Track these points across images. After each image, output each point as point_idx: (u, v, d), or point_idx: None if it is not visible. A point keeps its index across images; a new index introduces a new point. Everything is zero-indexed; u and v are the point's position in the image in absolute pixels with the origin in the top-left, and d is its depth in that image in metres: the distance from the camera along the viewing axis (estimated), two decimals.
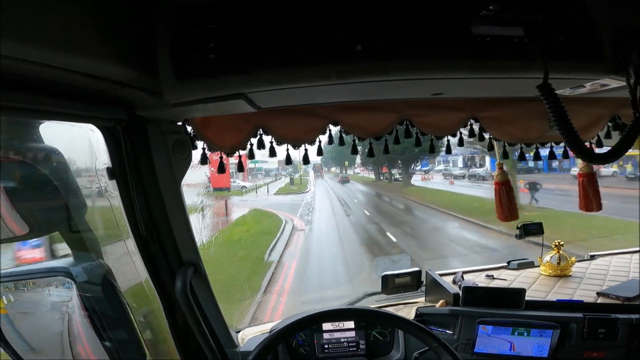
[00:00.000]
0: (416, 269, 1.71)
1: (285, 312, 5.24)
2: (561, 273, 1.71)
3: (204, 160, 1.11)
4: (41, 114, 0.79)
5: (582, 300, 1.46)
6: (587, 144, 1.25)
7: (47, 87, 0.69)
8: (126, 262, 1.25)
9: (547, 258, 1.75)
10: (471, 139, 1.17)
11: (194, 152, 1.11)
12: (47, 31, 0.55)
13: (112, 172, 1.01)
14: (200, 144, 1.11)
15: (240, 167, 1.18)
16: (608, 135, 1.25)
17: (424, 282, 1.70)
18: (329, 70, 0.75)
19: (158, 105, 0.87)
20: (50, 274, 1.26)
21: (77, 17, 0.61)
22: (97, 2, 0.64)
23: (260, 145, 1.12)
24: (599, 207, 1.46)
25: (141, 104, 0.91)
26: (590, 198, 1.45)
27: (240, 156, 1.15)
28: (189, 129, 1.10)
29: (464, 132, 1.17)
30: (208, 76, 0.75)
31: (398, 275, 1.68)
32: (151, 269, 1.18)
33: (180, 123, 1.09)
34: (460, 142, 1.19)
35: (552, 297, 1.54)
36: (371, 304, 1.75)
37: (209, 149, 1.11)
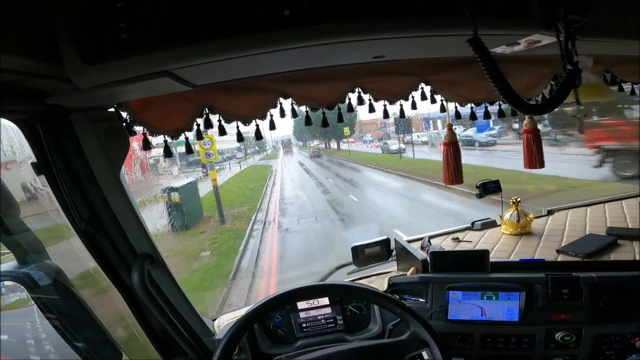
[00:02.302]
0: (385, 237, 1.72)
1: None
2: (522, 231, 1.76)
3: (146, 145, 1.04)
4: None
5: (544, 259, 1.49)
6: (532, 102, 1.27)
7: None
8: (76, 261, 1.18)
9: (507, 216, 1.79)
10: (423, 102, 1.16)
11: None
12: None
13: (37, 167, 0.93)
14: (140, 129, 1.04)
15: (189, 149, 1.11)
16: (552, 93, 1.26)
17: (394, 250, 1.72)
18: (258, 39, 0.71)
19: (70, 92, 0.80)
20: None
21: None
22: None
23: (208, 125, 1.06)
24: (541, 164, 1.48)
25: (52, 93, 0.84)
26: (534, 155, 1.47)
27: (186, 138, 1.08)
28: (124, 114, 1.01)
29: (416, 95, 1.16)
30: (122, 57, 0.71)
31: (367, 245, 1.68)
32: (105, 266, 1.12)
33: (112, 110, 1.00)
34: (413, 106, 1.17)
35: (515, 256, 1.58)
36: (344, 277, 1.75)
37: (150, 134, 1.03)
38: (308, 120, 1.12)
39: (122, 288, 1.17)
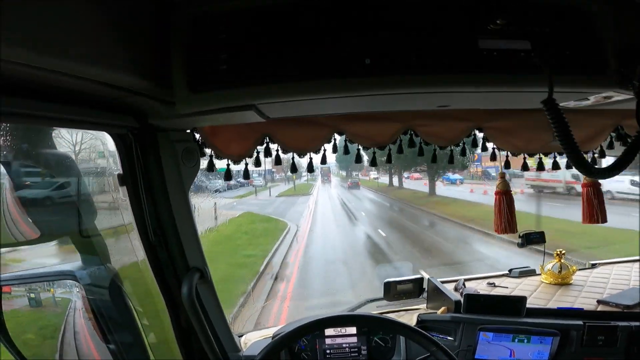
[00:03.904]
0: (418, 276, 1.73)
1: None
2: (562, 281, 1.72)
3: (210, 167, 1.13)
4: (55, 121, 0.80)
5: (583, 308, 1.47)
6: (590, 154, 1.26)
7: (61, 94, 0.70)
8: (133, 267, 1.27)
9: (548, 266, 1.75)
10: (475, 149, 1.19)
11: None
12: (62, 40, 0.56)
13: (122, 179, 1.03)
14: (207, 151, 1.13)
15: (246, 175, 1.20)
16: (611, 146, 1.26)
17: (426, 289, 1.71)
18: (338, 83, 0.75)
19: (169, 115, 0.89)
20: (58, 277, 1.28)
21: (92, 26, 0.62)
22: (113, 12, 0.66)
23: (267, 153, 1.14)
24: (604, 219, 1.43)
25: (153, 113, 0.93)
26: (595, 209, 1.42)
27: (246, 164, 1.17)
28: (197, 136, 1.12)
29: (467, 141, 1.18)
30: (219, 87, 0.77)
31: (400, 282, 1.69)
32: (158, 274, 1.19)
33: (188, 131, 1.10)
34: (463, 152, 1.20)
35: (552, 304, 1.54)
36: (373, 310, 1.75)
37: (217, 157, 1.13)
38: (358, 159, 1.18)
39: (168, 296, 1.23)
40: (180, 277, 1.18)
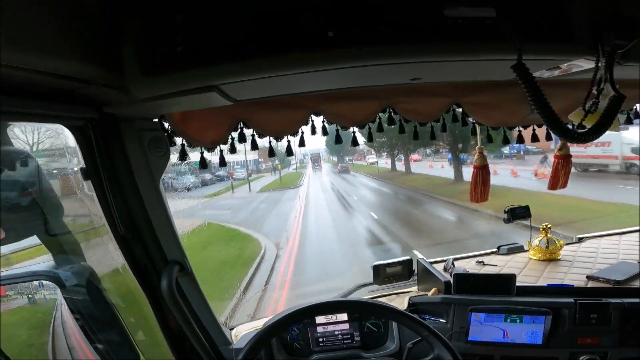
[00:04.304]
0: (407, 257, 1.71)
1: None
2: (550, 257, 1.72)
3: (182, 156, 1.09)
4: (7, 115, 0.76)
5: (573, 285, 1.47)
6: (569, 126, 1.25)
7: (10, 87, 0.66)
8: (109, 264, 1.23)
9: (535, 242, 1.75)
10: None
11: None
12: (7, 30, 0.53)
13: (86, 173, 0.98)
14: (179, 140, 1.08)
15: (223, 162, 1.15)
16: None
17: (416, 271, 1.70)
18: (302, 58, 0.73)
19: (127, 102, 0.84)
20: (33, 278, 1.24)
21: (37, 14, 0.58)
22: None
23: (242, 139, 1.10)
24: (564, 185, 1.50)
25: (110, 102, 0.88)
26: (559, 178, 1.49)
27: (221, 151, 1.12)
28: (166, 125, 1.07)
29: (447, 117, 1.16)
30: (177, 70, 0.74)
31: (389, 265, 1.67)
32: (136, 270, 1.16)
33: (156, 120, 1.05)
34: (444, 128, 1.17)
35: (542, 282, 1.54)
36: (364, 294, 1.74)
37: (189, 145, 1.08)
38: (338, 139, 1.14)
39: (149, 292, 1.20)
40: (160, 271, 1.14)
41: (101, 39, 0.72)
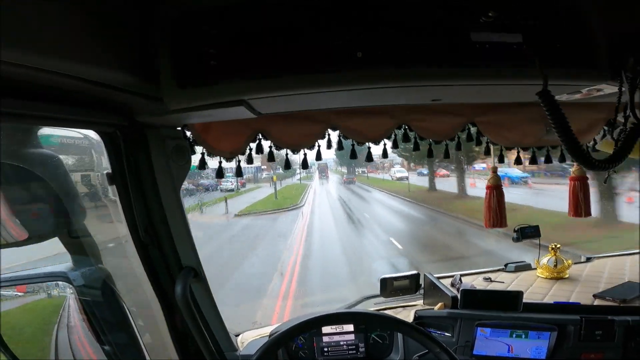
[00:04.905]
0: (414, 272, 1.72)
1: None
2: (558, 275, 1.73)
3: (202, 165, 1.12)
4: (42, 119, 0.79)
5: (579, 303, 1.47)
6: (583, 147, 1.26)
7: (47, 93, 0.69)
8: (125, 267, 1.25)
9: (544, 261, 1.76)
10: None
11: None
12: (47, 38, 0.55)
13: (111, 178, 1.01)
14: (199, 148, 1.12)
15: (239, 172, 1.18)
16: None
17: (422, 285, 1.71)
18: (330, 77, 0.75)
19: (158, 112, 0.87)
20: (50, 278, 1.27)
21: (77, 23, 0.61)
22: (98, 8, 0.65)
23: (259, 150, 1.13)
24: (587, 213, 1.44)
25: (141, 110, 0.91)
26: (580, 203, 1.43)
27: (239, 161, 1.15)
28: (188, 134, 1.10)
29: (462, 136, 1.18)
30: (209, 83, 0.76)
31: (397, 279, 1.68)
32: (151, 274, 1.18)
33: (179, 128, 1.09)
34: (458, 147, 1.19)
35: (549, 299, 1.55)
36: (370, 306, 1.75)
37: (208, 154, 1.11)
38: (353, 154, 1.17)
39: (162, 296, 1.22)
40: (174, 276, 1.17)
41: (137, 49, 0.75)
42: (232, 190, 14.92)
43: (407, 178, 17.73)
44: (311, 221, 11.90)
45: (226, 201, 13.16)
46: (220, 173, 1.16)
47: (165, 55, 0.76)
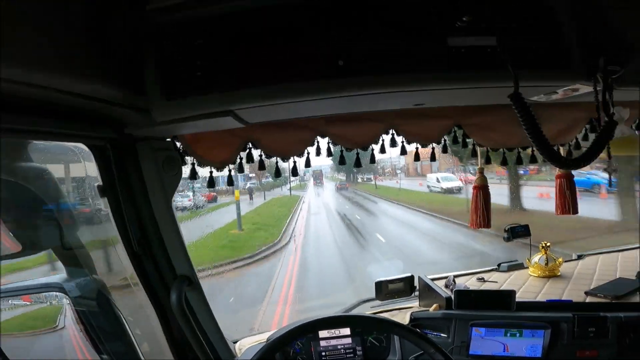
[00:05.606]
0: (409, 274, 1.73)
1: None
2: (550, 273, 1.74)
3: (192, 175, 1.13)
4: (31, 134, 0.80)
5: (571, 300, 1.49)
6: (566, 146, 1.28)
7: (36, 107, 0.70)
8: (121, 277, 1.26)
9: (535, 259, 1.77)
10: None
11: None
12: (34, 52, 0.56)
13: (102, 190, 1.02)
14: (189, 159, 1.13)
15: (230, 182, 1.19)
16: (585, 138, 1.28)
17: (417, 287, 1.72)
18: (313, 86, 0.77)
19: (147, 124, 0.88)
20: (45, 289, 1.28)
21: (64, 37, 0.62)
22: (85, 23, 0.66)
23: (250, 159, 1.14)
24: (575, 211, 1.46)
25: (130, 122, 0.92)
26: (567, 200, 1.45)
27: (230, 170, 1.17)
28: (178, 144, 1.11)
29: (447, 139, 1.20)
30: (196, 94, 0.77)
31: (391, 281, 1.69)
32: (145, 284, 1.19)
33: (169, 139, 1.10)
34: (444, 149, 1.21)
35: (542, 297, 1.56)
36: (366, 310, 1.76)
37: (199, 164, 1.12)
38: (342, 160, 1.18)
39: (157, 305, 1.23)
40: (169, 285, 1.18)
41: (124, 61, 0.76)
42: (185, 209, 8.76)
43: (459, 190, 12.09)
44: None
45: None
46: (211, 183, 1.18)
47: (151, 67, 0.77)
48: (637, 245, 1.98)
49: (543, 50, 0.78)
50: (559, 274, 1.75)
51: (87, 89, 0.70)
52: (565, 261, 1.85)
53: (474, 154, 1.29)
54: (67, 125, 0.81)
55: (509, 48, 0.74)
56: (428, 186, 14.01)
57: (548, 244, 1.77)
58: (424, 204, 11.63)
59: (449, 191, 12.31)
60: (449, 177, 12.90)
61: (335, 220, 12.06)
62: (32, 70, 0.57)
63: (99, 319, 1.24)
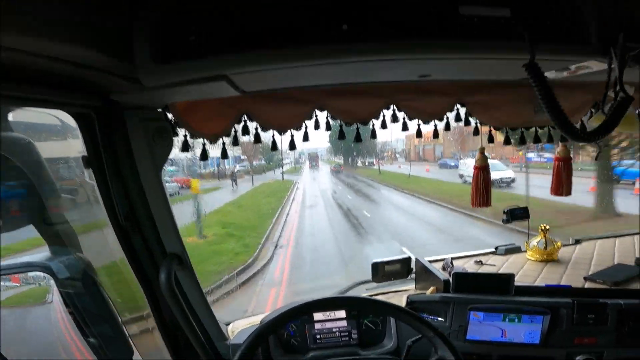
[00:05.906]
0: (406, 256, 1.72)
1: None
2: (548, 258, 1.74)
3: (185, 147, 1.07)
4: (9, 100, 0.74)
5: (570, 286, 1.48)
6: None
7: (14, 72, 0.65)
8: (106, 255, 1.21)
9: (533, 242, 1.77)
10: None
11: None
12: (12, 14, 0.51)
13: (87, 161, 0.97)
14: (181, 131, 1.07)
15: (224, 154, 1.14)
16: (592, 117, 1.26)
17: (414, 269, 1.70)
18: (316, 51, 0.73)
19: (134, 90, 0.83)
20: (27, 269, 1.22)
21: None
22: None
23: (245, 131, 1.09)
24: (568, 192, 1.49)
25: (116, 89, 0.87)
26: (562, 182, 1.48)
27: (223, 143, 1.11)
28: (170, 115, 1.05)
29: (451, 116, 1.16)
30: (188, 58, 0.73)
31: (388, 263, 1.67)
32: (134, 262, 1.15)
33: (160, 109, 1.04)
34: (447, 127, 1.18)
35: (540, 282, 1.56)
36: (362, 292, 1.74)
37: (191, 136, 1.07)
38: (341, 135, 1.14)
39: (146, 285, 1.19)
40: (158, 264, 1.13)
41: (111, 25, 0.71)
42: None
43: (509, 183, 10.12)
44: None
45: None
46: (204, 155, 1.12)
47: (141, 31, 0.73)
48: (635, 231, 1.99)
49: (558, 24, 0.76)
50: (557, 258, 1.75)
51: (67, 53, 0.65)
52: (563, 245, 1.85)
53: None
54: (47, 91, 0.76)
55: (524, 18, 0.72)
56: (461, 175, 11.69)
57: (547, 227, 1.77)
58: (453, 198, 9.22)
59: (496, 184, 9.29)
60: (496, 165, 9.88)
61: (338, 217, 9.94)
62: (6, 33, 0.52)
63: (85, 300, 1.19)
